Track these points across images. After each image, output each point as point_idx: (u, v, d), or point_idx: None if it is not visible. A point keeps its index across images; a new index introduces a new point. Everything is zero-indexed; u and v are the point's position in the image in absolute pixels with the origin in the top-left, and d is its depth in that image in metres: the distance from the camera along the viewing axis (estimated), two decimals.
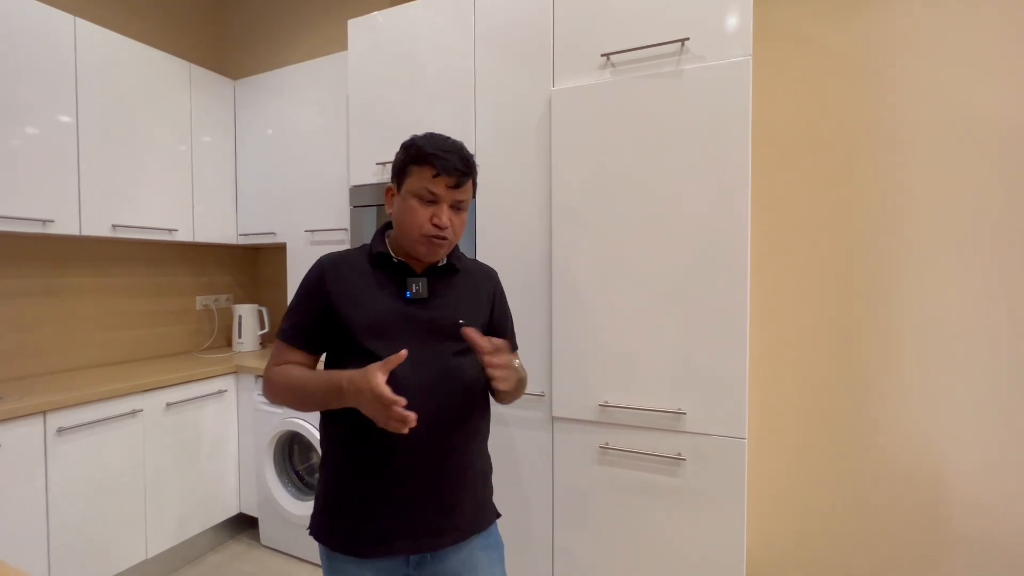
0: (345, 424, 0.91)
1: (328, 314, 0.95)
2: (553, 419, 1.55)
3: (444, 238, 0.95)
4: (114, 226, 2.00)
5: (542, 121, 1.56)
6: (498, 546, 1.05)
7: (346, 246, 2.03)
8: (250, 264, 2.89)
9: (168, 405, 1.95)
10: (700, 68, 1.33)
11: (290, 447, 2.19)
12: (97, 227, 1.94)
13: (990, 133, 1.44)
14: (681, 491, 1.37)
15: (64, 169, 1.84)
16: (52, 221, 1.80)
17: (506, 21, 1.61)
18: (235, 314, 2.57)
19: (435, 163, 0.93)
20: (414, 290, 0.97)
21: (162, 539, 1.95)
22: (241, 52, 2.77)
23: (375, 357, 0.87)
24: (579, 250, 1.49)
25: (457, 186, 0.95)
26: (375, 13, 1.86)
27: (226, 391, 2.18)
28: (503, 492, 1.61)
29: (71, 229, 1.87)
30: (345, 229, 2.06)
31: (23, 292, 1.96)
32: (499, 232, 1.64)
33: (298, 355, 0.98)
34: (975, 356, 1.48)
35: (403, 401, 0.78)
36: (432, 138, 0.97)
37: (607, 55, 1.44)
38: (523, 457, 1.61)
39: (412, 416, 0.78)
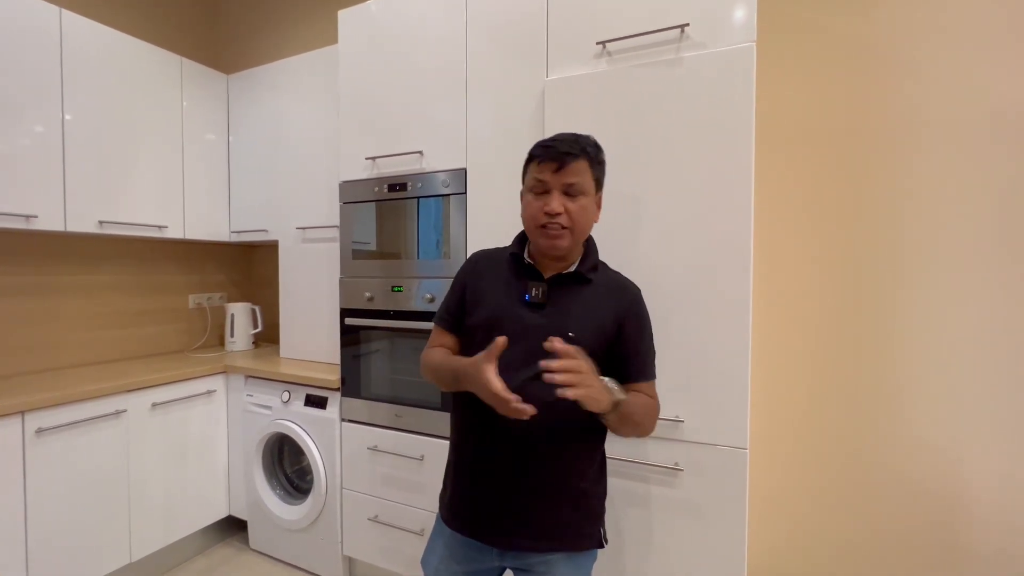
0: (456, 410, 1.05)
1: (464, 303, 1.04)
2: None
3: (559, 225, 0.92)
4: (101, 222, 1.95)
5: (536, 113, 1.49)
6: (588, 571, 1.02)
7: (337, 244, 1.98)
8: (244, 262, 2.85)
9: (154, 405, 1.90)
10: (701, 55, 1.25)
11: (280, 449, 2.14)
12: (83, 223, 1.90)
13: (1019, 129, 1.35)
14: (678, 502, 1.30)
15: (49, 164, 1.80)
16: (36, 217, 1.76)
17: (498, 9, 1.55)
18: (228, 313, 2.53)
19: (539, 152, 0.95)
20: (533, 293, 0.97)
21: (147, 542, 1.90)
22: (235, 46, 2.73)
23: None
24: None
25: (561, 168, 0.92)
26: (368, 2, 1.81)
27: (215, 391, 2.13)
28: None
29: (56, 225, 1.82)
30: (336, 227, 2.00)
31: (7, 290, 1.92)
32: (490, 228, 1.57)
33: (446, 337, 1.08)
34: (990, 363, 1.39)
35: (514, 397, 0.80)
36: (553, 136, 0.98)
37: (603, 43, 1.37)
38: None
39: (528, 408, 0.79)
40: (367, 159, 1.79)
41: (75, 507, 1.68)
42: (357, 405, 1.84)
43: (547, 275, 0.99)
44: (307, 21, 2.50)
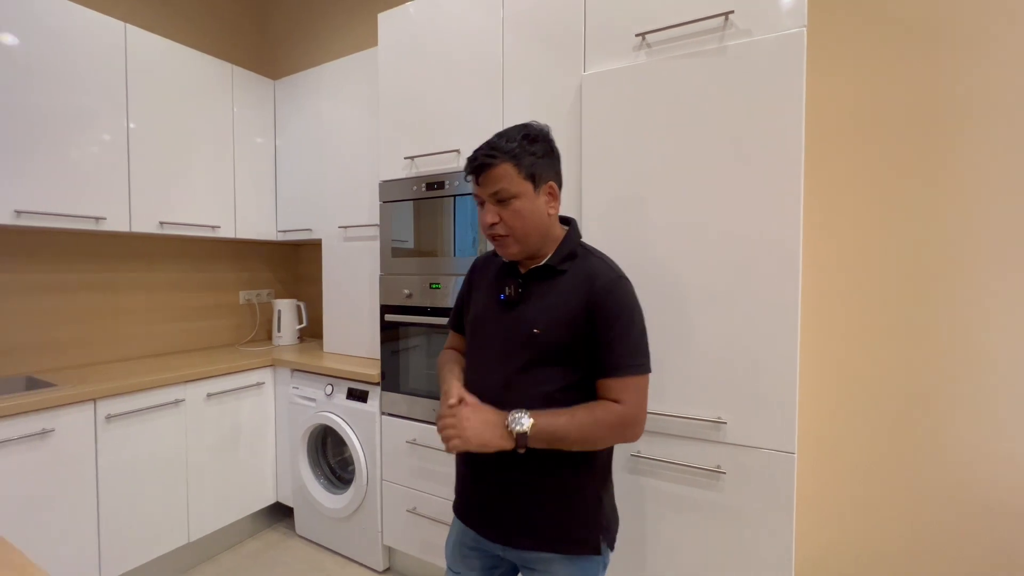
0: None
1: (464, 305, 1.11)
2: None
3: (501, 234, 0.93)
4: (161, 223, 2.08)
5: (573, 108, 1.47)
6: None
7: (377, 243, 2.03)
8: (290, 260, 2.97)
9: (209, 395, 2.01)
10: (746, 44, 1.20)
11: (324, 440, 2.22)
12: (146, 224, 2.03)
13: None
14: (721, 507, 1.26)
15: (116, 170, 1.94)
16: (104, 218, 1.90)
17: (535, 5, 1.54)
18: (275, 309, 2.65)
19: (465, 165, 0.96)
20: (507, 292, 0.97)
21: (203, 524, 2.02)
22: (280, 52, 2.84)
23: (470, 351, 1.04)
24: (610, 244, 1.40)
25: (480, 179, 0.92)
26: (406, 4, 1.84)
27: (264, 383, 2.24)
28: None
29: (122, 226, 1.96)
30: (376, 225, 2.05)
31: (78, 286, 2.09)
32: None
33: (455, 338, 1.17)
34: None
35: (445, 437, 0.86)
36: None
37: (642, 35, 1.34)
38: None
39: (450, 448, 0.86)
40: (406, 158, 1.83)
41: (140, 488, 1.80)
42: (396, 399, 1.89)
43: (524, 271, 0.99)
44: (348, 26, 2.57)
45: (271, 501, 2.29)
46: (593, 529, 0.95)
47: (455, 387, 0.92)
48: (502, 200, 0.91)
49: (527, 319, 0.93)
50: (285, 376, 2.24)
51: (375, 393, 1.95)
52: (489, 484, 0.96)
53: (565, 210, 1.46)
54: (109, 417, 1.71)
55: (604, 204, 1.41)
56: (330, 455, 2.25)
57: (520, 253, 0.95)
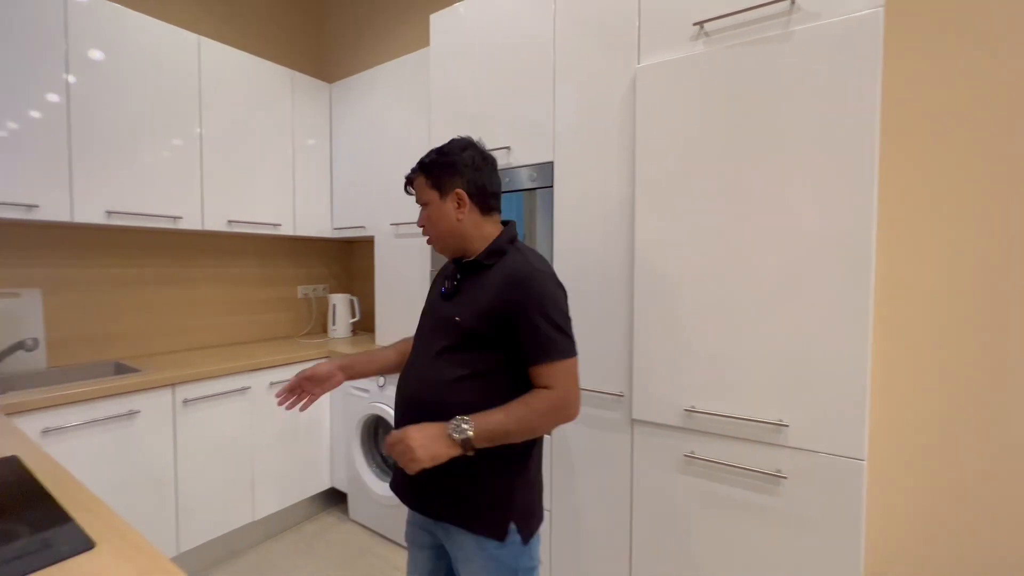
0: None
1: None
2: (633, 422, 1.46)
3: (426, 236, 1.10)
4: (229, 221, 2.22)
5: (625, 102, 1.45)
6: (480, 558, 0.98)
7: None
8: (345, 256, 3.10)
9: (271, 384, 2.14)
10: (815, 27, 1.14)
11: (376, 430, 2.30)
12: (216, 223, 2.18)
13: None
14: (781, 512, 1.21)
15: (190, 173, 2.08)
16: (181, 217, 2.05)
17: None
18: (330, 303, 2.77)
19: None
20: (446, 287, 1.09)
21: (266, 504, 2.15)
22: (336, 56, 2.95)
23: (414, 340, 1.14)
24: (666, 241, 1.37)
25: (410, 190, 1.11)
26: (457, 5, 1.87)
27: None
28: (576, 494, 1.57)
29: (195, 225, 2.11)
30: None
31: (159, 280, 2.26)
32: (578, 223, 1.56)
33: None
34: None
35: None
36: None
37: (700, 23, 1.30)
38: (600, 460, 1.53)
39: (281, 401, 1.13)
40: None
41: (212, 467, 1.94)
42: None
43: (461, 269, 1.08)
44: (401, 28, 2.63)
45: (326, 486, 2.41)
46: (501, 513, 0.98)
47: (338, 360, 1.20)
48: (422, 206, 1.08)
49: (455, 311, 1.01)
50: None
51: None
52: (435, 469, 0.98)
53: (624, 200, 1.46)
54: (186, 401, 1.85)
55: (659, 197, 1.38)
56: (381, 444, 2.34)
57: (444, 251, 1.09)
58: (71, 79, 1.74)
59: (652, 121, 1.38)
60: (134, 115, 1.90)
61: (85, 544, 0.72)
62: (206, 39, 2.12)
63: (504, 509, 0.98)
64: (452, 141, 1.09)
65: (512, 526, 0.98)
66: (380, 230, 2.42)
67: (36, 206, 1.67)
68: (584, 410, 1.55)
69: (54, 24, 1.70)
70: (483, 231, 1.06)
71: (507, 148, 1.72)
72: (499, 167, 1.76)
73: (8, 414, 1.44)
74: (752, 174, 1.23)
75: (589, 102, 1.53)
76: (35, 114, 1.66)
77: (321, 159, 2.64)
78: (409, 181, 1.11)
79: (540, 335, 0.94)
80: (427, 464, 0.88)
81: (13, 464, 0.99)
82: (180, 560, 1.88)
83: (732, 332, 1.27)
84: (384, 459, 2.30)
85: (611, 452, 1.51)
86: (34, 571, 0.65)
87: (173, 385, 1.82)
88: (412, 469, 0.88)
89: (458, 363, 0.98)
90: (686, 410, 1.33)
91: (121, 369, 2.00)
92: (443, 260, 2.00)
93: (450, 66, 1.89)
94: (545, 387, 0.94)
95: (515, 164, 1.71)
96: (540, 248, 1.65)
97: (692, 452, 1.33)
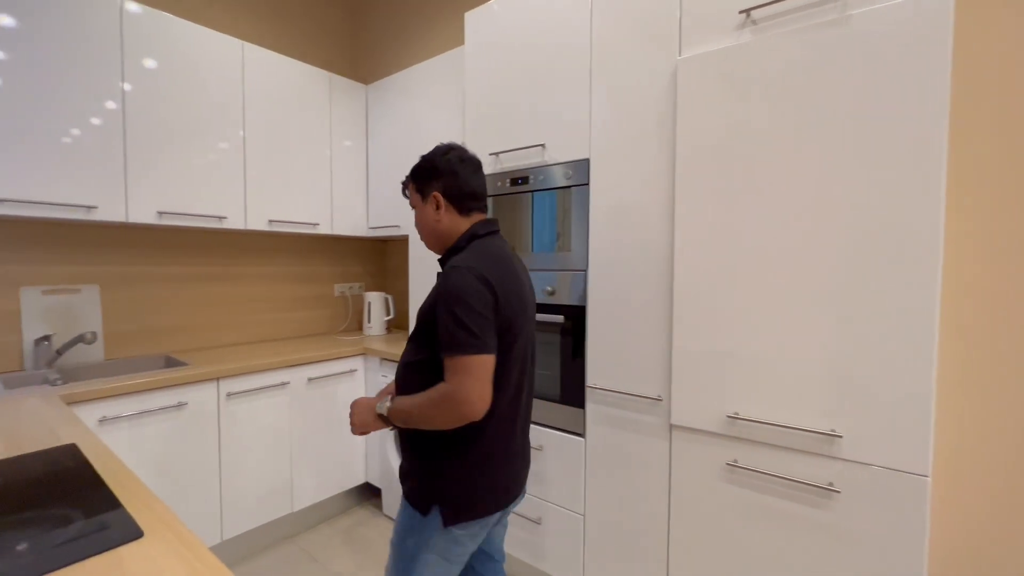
0: None
1: None
2: (671, 427, 1.41)
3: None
4: (270, 221, 2.29)
5: (665, 96, 1.40)
6: (401, 520, 1.11)
7: None
8: (379, 255, 3.15)
9: (309, 380, 2.19)
10: (875, 10, 1.07)
11: None
12: (258, 222, 2.25)
13: None
14: (833, 529, 1.14)
15: (234, 174, 2.16)
16: (226, 217, 2.13)
17: None
18: (365, 301, 2.82)
19: None
20: None
21: (304, 496, 2.21)
22: (373, 57, 2.99)
23: None
24: (708, 239, 1.32)
25: (407, 195, 1.24)
26: (491, 2, 1.85)
27: (356, 370, 2.39)
28: (612, 500, 1.53)
29: (239, 224, 2.18)
30: None
31: (204, 278, 2.36)
32: (614, 220, 1.52)
33: None
34: None
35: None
36: None
37: (746, 11, 1.24)
38: (637, 466, 1.49)
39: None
40: (491, 155, 1.85)
41: (253, 459, 2.01)
42: None
43: None
44: (436, 28, 2.65)
45: (361, 481, 2.45)
46: (427, 488, 1.06)
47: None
48: (413, 209, 1.20)
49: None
50: (375, 364, 2.37)
51: None
52: (399, 439, 1.19)
53: (663, 196, 1.41)
54: (229, 395, 1.92)
55: (701, 194, 1.33)
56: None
57: (431, 249, 1.21)
58: (126, 87, 1.83)
59: (694, 115, 1.33)
60: (183, 120, 1.99)
61: (135, 532, 0.74)
62: (249, 44, 2.19)
63: (430, 487, 1.06)
64: (435, 147, 1.18)
65: (436, 507, 1.04)
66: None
67: (95, 207, 1.76)
68: (620, 413, 1.51)
69: (110, 35, 1.79)
70: (459, 231, 1.14)
71: (541, 146, 1.70)
72: (533, 165, 1.77)
73: (68, 403, 1.52)
74: (804, 168, 1.16)
75: (627, 97, 1.49)
76: (95, 121, 1.76)
77: (357, 160, 2.68)
78: (404, 186, 1.23)
79: (445, 329, 0.99)
80: (359, 429, 1.14)
81: (71, 451, 1.04)
82: (224, 547, 1.95)
83: (779, 333, 1.20)
84: None
85: (648, 458, 1.46)
86: (88, 556, 0.68)
87: (217, 379, 1.89)
88: (353, 432, 1.15)
89: (410, 352, 1.12)
90: (728, 416, 1.28)
91: (171, 362, 2.10)
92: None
93: (484, 64, 1.88)
94: (445, 380, 1.00)
95: (549, 162, 1.69)
96: (576, 248, 1.62)
97: (735, 461, 1.27)
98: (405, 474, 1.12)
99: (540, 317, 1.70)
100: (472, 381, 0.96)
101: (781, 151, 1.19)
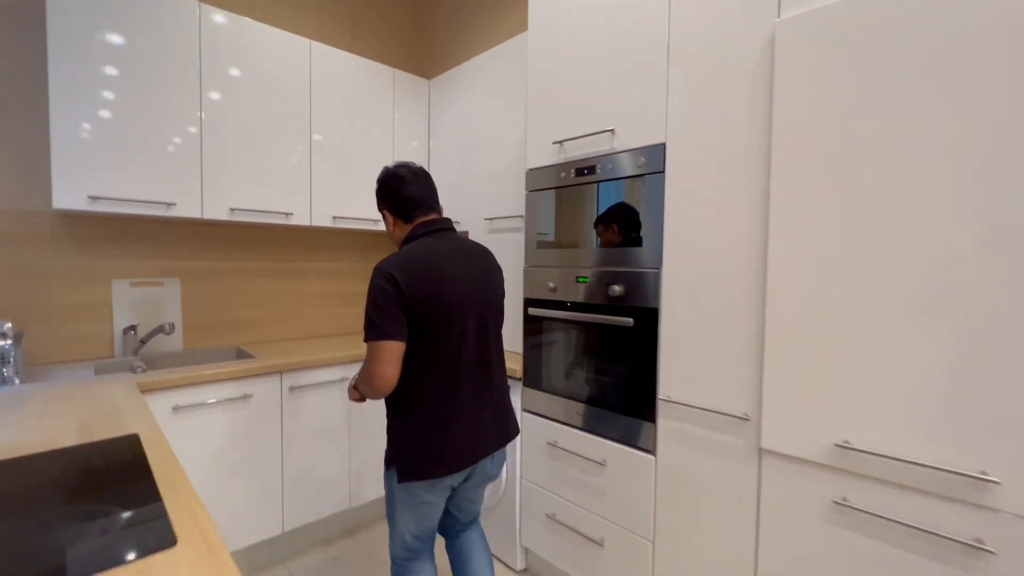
0: None
1: None
2: (761, 451, 1.21)
3: None
4: (334, 217, 2.31)
5: (758, 68, 1.20)
6: (383, 486, 1.33)
7: (522, 233, 1.97)
8: None
9: None
10: None
11: None
12: (322, 219, 2.28)
13: None
14: None
15: (300, 172, 2.20)
16: (292, 214, 2.17)
17: None
18: None
19: None
20: None
21: (362, 493, 2.21)
22: (436, 49, 2.96)
23: None
24: (810, 235, 1.11)
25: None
26: None
27: None
28: (686, 530, 1.35)
29: (304, 221, 2.22)
30: (521, 216, 2.00)
31: (273, 273, 2.43)
32: (695, 212, 1.34)
33: None
34: None
35: None
36: None
37: None
38: (717, 492, 1.30)
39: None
40: (554, 143, 1.72)
41: (313, 452, 2.03)
42: (538, 397, 1.81)
43: None
44: (501, 15, 2.56)
45: None
46: (389, 446, 1.27)
47: None
48: None
49: None
50: None
51: (516, 388, 1.90)
52: None
53: (747, 184, 1.21)
54: (292, 388, 1.95)
55: (803, 185, 1.12)
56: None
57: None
58: (210, 95, 1.90)
59: (795, 90, 1.12)
60: (255, 121, 2.04)
61: (170, 540, 0.70)
62: (316, 43, 2.22)
63: (390, 449, 1.27)
64: (383, 168, 1.40)
65: (393, 466, 1.24)
66: (474, 225, 2.36)
67: (174, 204, 1.85)
68: (698, 431, 1.33)
69: (190, 44, 1.86)
70: (405, 235, 1.33)
71: (611, 131, 1.54)
72: (600, 153, 1.62)
73: (145, 391, 1.59)
74: (941, 156, 0.93)
75: (711, 72, 1.30)
76: (192, 129, 1.84)
77: (419, 155, 2.66)
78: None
79: (364, 319, 1.18)
80: (350, 395, 1.35)
81: (132, 442, 1.05)
82: (284, 539, 1.99)
83: (906, 346, 0.97)
84: None
85: (732, 484, 1.27)
86: (117, 565, 0.64)
87: (280, 373, 1.92)
88: (350, 398, 1.36)
89: None
90: (837, 445, 1.06)
91: (241, 354, 2.17)
92: (548, 256, 1.90)
93: (548, 45, 1.75)
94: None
95: (619, 149, 1.53)
96: (649, 244, 1.45)
97: (844, 499, 1.06)
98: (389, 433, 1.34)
99: (605, 319, 1.55)
100: (374, 362, 1.16)
101: (910, 135, 0.96)
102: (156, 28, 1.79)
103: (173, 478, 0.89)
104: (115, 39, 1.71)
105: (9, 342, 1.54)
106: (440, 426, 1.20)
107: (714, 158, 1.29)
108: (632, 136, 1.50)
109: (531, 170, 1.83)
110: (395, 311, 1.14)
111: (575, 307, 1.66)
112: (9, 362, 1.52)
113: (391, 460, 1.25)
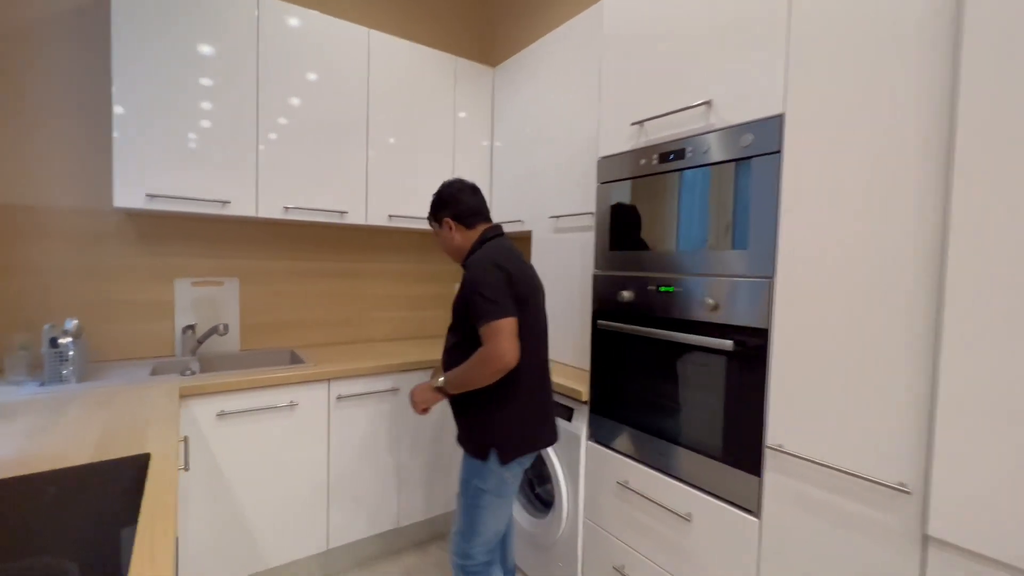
0: None
1: None
2: (926, 539, 0.86)
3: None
4: (390, 216, 2.19)
5: (933, 13, 0.85)
6: (464, 471, 1.40)
7: (591, 233, 1.70)
8: None
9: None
10: None
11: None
12: (377, 217, 2.16)
13: None
14: None
15: (356, 168, 2.09)
16: (346, 212, 2.07)
17: None
18: None
19: None
20: None
21: (411, 513, 2.05)
22: (500, 33, 2.76)
23: None
24: (1016, 233, 0.75)
25: (433, 226, 1.55)
26: None
27: None
28: None
29: (359, 219, 2.11)
30: (591, 213, 1.73)
31: (329, 273, 2.35)
32: (826, 204, 1.01)
33: None
34: None
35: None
36: None
37: None
38: None
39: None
40: (633, 125, 1.44)
41: (360, 467, 1.90)
42: (607, 426, 1.53)
43: None
44: None
45: None
46: (480, 437, 1.34)
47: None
48: (435, 236, 1.55)
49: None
50: None
51: (581, 412, 1.63)
52: (452, 412, 1.45)
53: (911, 169, 0.86)
54: (339, 398, 1.83)
55: (1004, 164, 0.76)
56: (528, 466, 2.05)
57: (455, 261, 1.51)
58: (263, 91, 1.84)
59: (997, 32, 0.77)
60: (311, 115, 1.96)
61: None
62: (375, 32, 2.10)
63: (482, 434, 1.33)
64: (442, 183, 1.51)
65: (492, 450, 1.31)
66: (538, 224, 2.13)
67: (228, 202, 1.79)
68: (824, 496, 1.00)
69: (246, 41, 1.81)
70: (471, 240, 1.44)
71: (706, 104, 1.24)
72: (692, 132, 1.31)
73: (190, 395, 1.53)
74: None
75: (855, 21, 0.96)
76: (246, 126, 1.79)
77: (481, 149, 2.47)
78: (428, 220, 1.54)
79: (474, 306, 1.26)
80: (422, 406, 1.45)
81: (140, 464, 0.93)
82: (328, 556, 1.87)
83: None
84: (530, 482, 2.01)
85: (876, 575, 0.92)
86: None
87: (328, 380, 1.81)
88: (416, 411, 1.46)
89: (451, 338, 1.41)
90: None
91: (294, 359, 2.10)
92: (623, 259, 1.62)
93: (629, 8, 1.48)
94: (482, 345, 1.25)
95: (717, 125, 1.22)
96: (757, 245, 1.13)
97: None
98: (462, 439, 1.40)
99: (695, 339, 1.24)
100: (500, 339, 1.22)
101: None
102: (211, 27, 1.74)
103: (160, 517, 0.75)
104: (174, 43, 1.68)
105: (70, 339, 1.54)
106: (537, 406, 1.37)
107: (858, 133, 0.96)
108: (735, 108, 1.18)
109: (604, 158, 1.56)
110: (508, 291, 1.26)
111: (656, 322, 1.37)
112: (67, 360, 1.52)
113: (487, 446, 1.31)
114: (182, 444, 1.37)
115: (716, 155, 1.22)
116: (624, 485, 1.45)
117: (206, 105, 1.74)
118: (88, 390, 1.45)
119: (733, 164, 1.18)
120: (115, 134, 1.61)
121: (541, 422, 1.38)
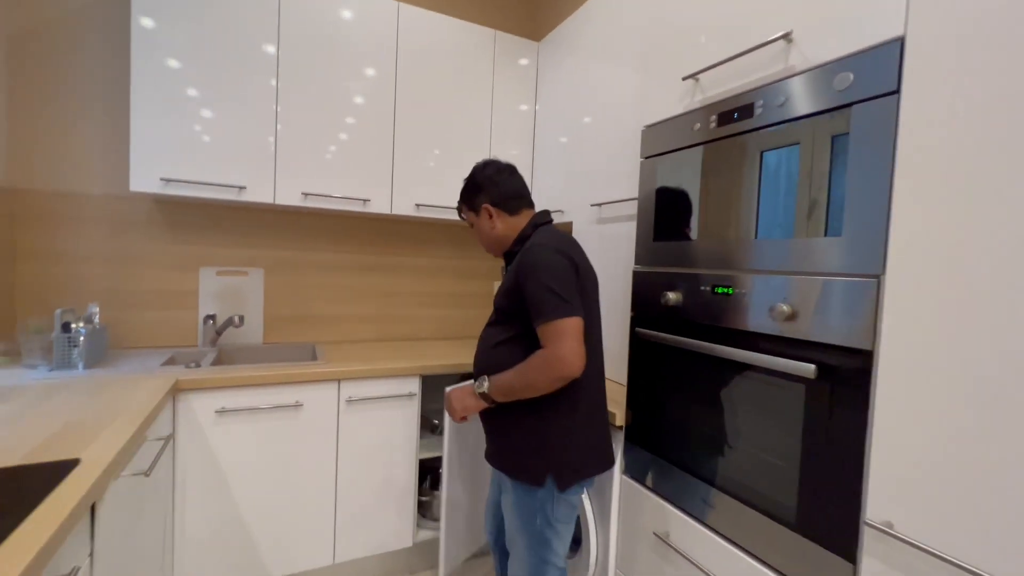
0: None
1: None
2: None
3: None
4: (417, 205, 2.02)
5: None
6: (518, 503, 1.15)
7: (634, 222, 1.41)
8: None
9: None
10: None
11: None
12: (404, 206, 1.99)
13: None
14: None
15: (380, 153, 1.94)
16: (369, 200, 1.92)
17: None
18: None
19: None
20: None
21: (430, 531, 1.86)
22: (544, 4, 2.50)
23: None
24: None
25: (463, 218, 1.36)
26: None
27: None
28: None
29: (383, 208, 1.96)
30: (634, 199, 1.43)
31: (355, 266, 2.22)
32: (972, 170, 0.66)
33: None
34: None
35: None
36: None
37: None
38: None
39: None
40: (685, 79, 1.13)
41: (372, 478, 1.73)
42: (644, 460, 1.24)
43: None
44: None
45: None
46: (534, 461, 1.12)
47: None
48: (470, 226, 1.34)
49: (498, 293, 1.22)
50: None
51: (616, 439, 1.34)
52: (485, 425, 1.25)
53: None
54: (350, 400, 1.68)
55: None
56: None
57: (495, 254, 1.33)
58: (279, 67, 1.74)
59: None
60: (331, 95, 1.83)
61: None
62: (405, 4, 1.94)
63: (538, 457, 1.12)
64: (474, 166, 1.31)
65: (549, 476, 1.10)
66: (579, 214, 1.86)
67: (244, 187, 1.71)
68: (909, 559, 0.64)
69: (257, 16, 1.71)
70: (516, 228, 1.25)
71: (785, 37, 0.91)
72: (763, 81, 0.98)
73: (187, 390, 1.44)
74: None
75: None
76: (262, 108, 1.70)
77: (523, 134, 2.23)
78: (458, 210, 1.36)
79: (535, 299, 1.07)
80: (461, 413, 1.21)
81: (57, 472, 0.80)
82: (334, 570, 1.72)
83: None
84: None
85: None
86: None
87: (339, 381, 1.66)
88: (454, 419, 1.24)
89: (496, 333, 1.20)
90: None
91: (317, 354, 1.99)
92: (671, 252, 1.32)
93: None
94: (542, 347, 1.06)
95: (799, 67, 0.89)
96: (855, 231, 0.79)
97: None
98: (503, 459, 1.18)
99: (760, 360, 0.92)
100: (567, 341, 1.03)
101: None
102: (221, 9, 1.66)
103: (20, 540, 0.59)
104: (184, 30, 1.62)
105: (82, 325, 1.51)
106: (599, 423, 1.19)
107: (1011, 59, 0.60)
108: (826, 39, 0.85)
109: (649, 127, 1.27)
110: (577, 288, 1.08)
111: (709, 333, 1.06)
112: (77, 346, 1.49)
113: (543, 470, 1.10)
114: (162, 443, 1.27)
115: (798, 107, 0.89)
116: (663, 539, 1.14)
117: (222, 89, 1.67)
118: (87, 378, 1.40)
119: (823, 117, 0.85)
120: (132, 118, 1.57)
121: (602, 441, 1.19)
